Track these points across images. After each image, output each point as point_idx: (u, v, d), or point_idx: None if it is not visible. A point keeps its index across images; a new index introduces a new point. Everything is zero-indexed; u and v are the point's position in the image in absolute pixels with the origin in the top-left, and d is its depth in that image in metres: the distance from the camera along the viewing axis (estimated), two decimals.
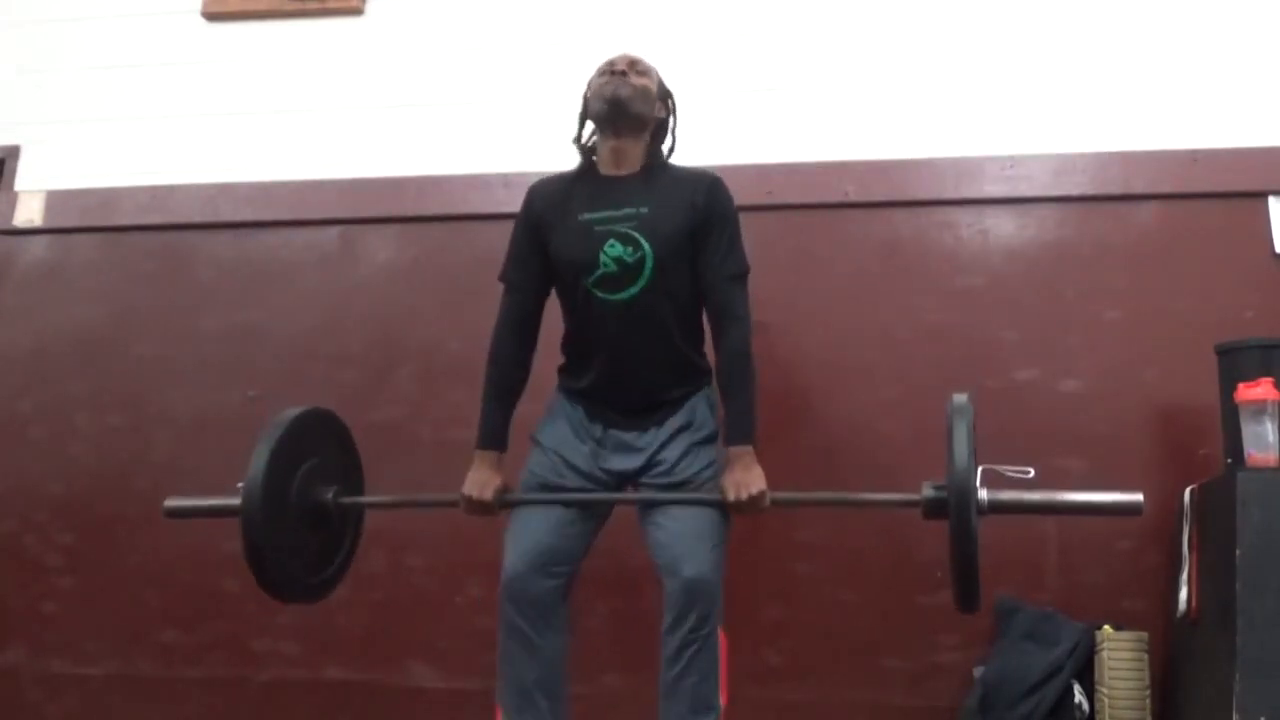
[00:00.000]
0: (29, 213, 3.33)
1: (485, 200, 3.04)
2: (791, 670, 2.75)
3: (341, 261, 3.16)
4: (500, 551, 2.28)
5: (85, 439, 3.15)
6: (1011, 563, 2.71)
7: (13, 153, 3.39)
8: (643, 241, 2.16)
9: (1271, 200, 2.81)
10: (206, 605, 2.99)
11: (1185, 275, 2.80)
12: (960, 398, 1.99)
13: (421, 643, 2.89)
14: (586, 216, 2.20)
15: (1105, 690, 2.49)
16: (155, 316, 3.20)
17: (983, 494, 1.92)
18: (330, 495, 2.26)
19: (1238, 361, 2.42)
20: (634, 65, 2.27)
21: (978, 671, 2.61)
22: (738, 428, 2.17)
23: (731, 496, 2.10)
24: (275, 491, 2.11)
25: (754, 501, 2.09)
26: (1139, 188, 2.88)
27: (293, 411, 2.22)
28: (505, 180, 2.98)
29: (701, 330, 2.30)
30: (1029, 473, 1.96)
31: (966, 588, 1.94)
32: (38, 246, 3.33)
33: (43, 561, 3.09)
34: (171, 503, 2.40)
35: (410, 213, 3.15)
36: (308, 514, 2.21)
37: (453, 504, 2.23)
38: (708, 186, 2.22)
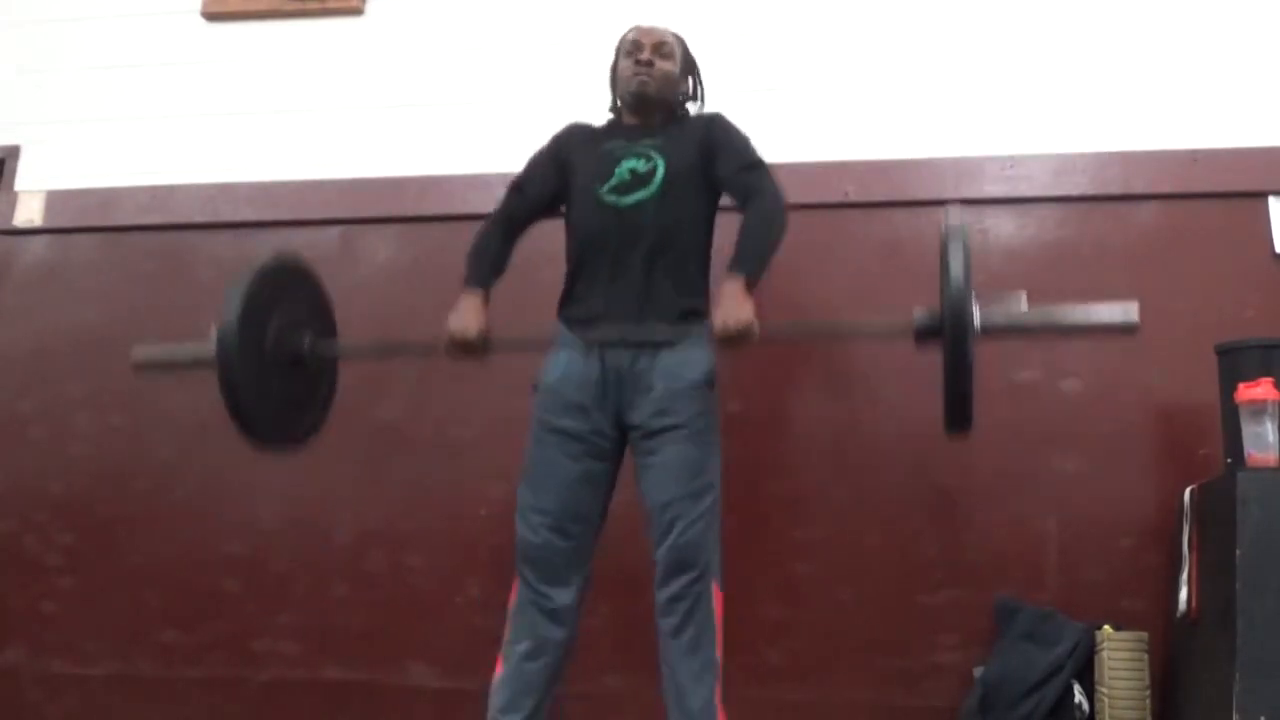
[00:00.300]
0: (29, 213, 3.33)
1: (485, 200, 3.00)
2: (791, 670, 2.75)
3: (341, 261, 3.15)
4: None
5: (85, 439, 3.15)
6: (1011, 563, 2.71)
7: (13, 153, 3.39)
8: (655, 156, 2.31)
9: (1271, 200, 2.81)
10: (206, 605, 2.99)
11: (1185, 275, 2.80)
12: (955, 219, 1.97)
13: (421, 643, 2.89)
14: (608, 146, 2.37)
15: (1105, 690, 2.49)
16: (155, 316, 3.19)
17: (976, 314, 1.89)
18: (305, 342, 2.21)
19: (1238, 361, 2.42)
20: (659, 48, 2.41)
21: (978, 671, 2.61)
22: (741, 256, 2.17)
23: (718, 326, 2.09)
24: (250, 337, 2.06)
25: (743, 332, 2.07)
26: (1139, 188, 2.88)
27: (263, 258, 2.17)
28: (505, 180, 2.95)
29: (705, 272, 2.32)
30: (1021, 297, 1.94)
31: (959, 407, 1.91)
32: (38, 246, 3.33)
33: (43, 561, 3.09)
34: (141, 352, 2.31)
35: (410, 213, 3.15)
36: (284, 361, 2.16)
37: (433, 350, 2.21)
38: (711, 117, 2.43)
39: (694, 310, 2.27)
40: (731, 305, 2.10)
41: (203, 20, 3.43)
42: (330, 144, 3.26)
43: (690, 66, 2.51)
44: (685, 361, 2.22)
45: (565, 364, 2.26)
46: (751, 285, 2.14)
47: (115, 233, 3.29)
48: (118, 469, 3.12)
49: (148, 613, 3.01)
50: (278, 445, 2.25)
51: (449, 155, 3.17)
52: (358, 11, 3.36)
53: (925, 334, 1.95)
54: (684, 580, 2.13)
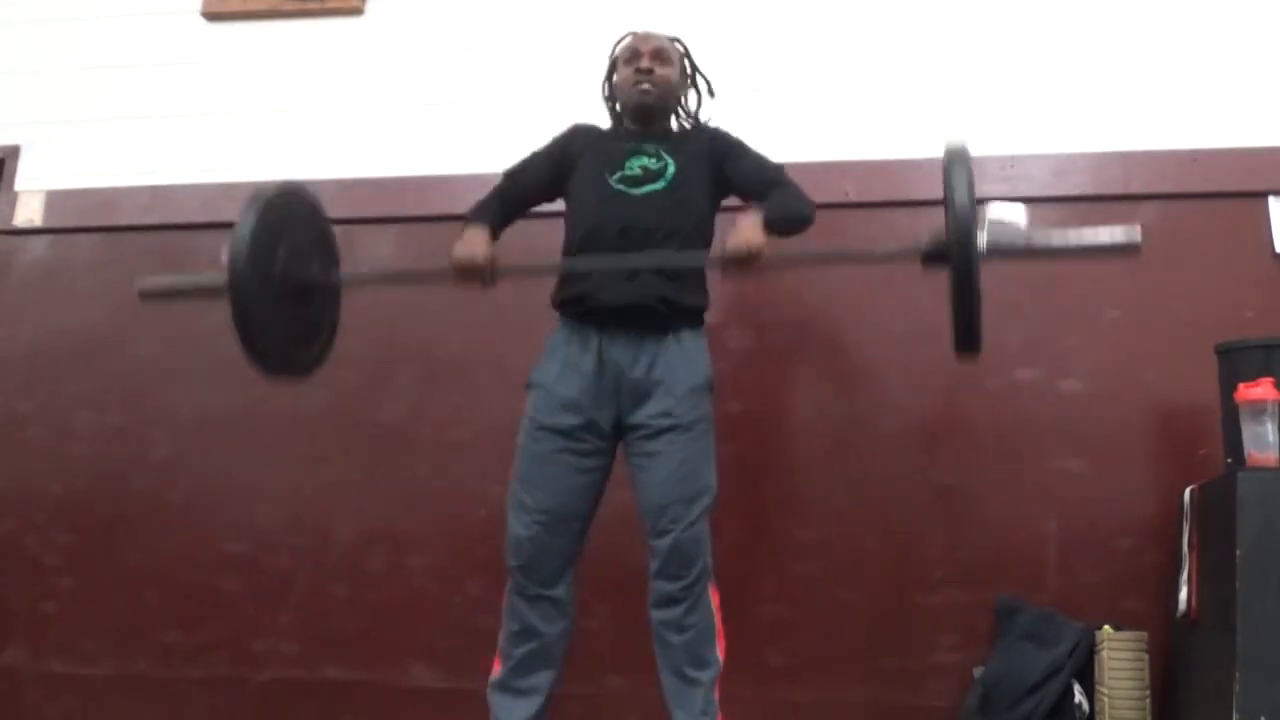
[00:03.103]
0: (29, 213, 3.32)
1: None
2: (791, 670, 2.74)
3: (342, 261, 3.14)
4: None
5: (85, 439, 3.15)
6: (1011, 563, 2.71)
7: (13, 153, 3.39)
8: (666, 156, 2.34)
9: (1271, 200, 2.81)
10: (206, 605, 2.99)
11: (1185, 275, 2.80)
12: (956, 142, 1.97)
13: (421, 643, 2.89)
14: (617, 143, 2.39)
15: (1105, 690, 2.49)
16: (155, 316, 3.19)
17: (982, 239, 1.90)
18: (313, 270, 2.20)
19: (1238, 361, 2.42)
20: (658, 56, 2.41)
21: (978, 671, 2.61)
22: (767, 204, 2.20)
23: (729, 245, 2.09)
24: (260, 265, 2.05)
25: (752, 254, 2.08)
26: (1139, 188, 2.87)
27: (269, 188, 2.15)
28: None
29: (703, 274, 2.33)
30: (1021, 211, 1.94)
31: (968, 327, 1.92)
32: (38, 246, 3.33)
33: (43, 561, 3.09)
34: (147, 283, 2.29)
35: (410, 213, 3.15)
36: (292, 289, 2.14)
37: (441, 276, 2.19)
38: (714, 130, 2.47)
39: (692, 301, 2.27)
40: (744, 230, 2.11)
41: (203, 20, 3.43)
42: (330, 144, 3.26)
43: (688, 71, 2.51)
44: (686, 362, 2.22)
45: (561, 361, 2.25)
46: (768, 228, 2.14)
47: (115, 233, 3.29)
48: (118, 469, 3.12)
49: (148, 613, 3.01)
50: (286, 373, 2.23)
51: (449, 155, 3.17)
52: (358, 11, 3.35)
53: (932, 258, 1.96)
54: (681, 582, 2.14)
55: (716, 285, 2.39)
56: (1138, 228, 1.94)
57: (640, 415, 2.20)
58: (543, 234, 2.47)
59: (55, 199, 3.32)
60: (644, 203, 2.27)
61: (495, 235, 2.29)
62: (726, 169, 2.36)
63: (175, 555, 3.02)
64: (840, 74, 3.08)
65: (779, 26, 3.14)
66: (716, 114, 2.91)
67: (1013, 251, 1.95)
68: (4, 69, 3.48)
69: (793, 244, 2.31)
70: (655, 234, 2.24)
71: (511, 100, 3.20)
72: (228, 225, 3.20)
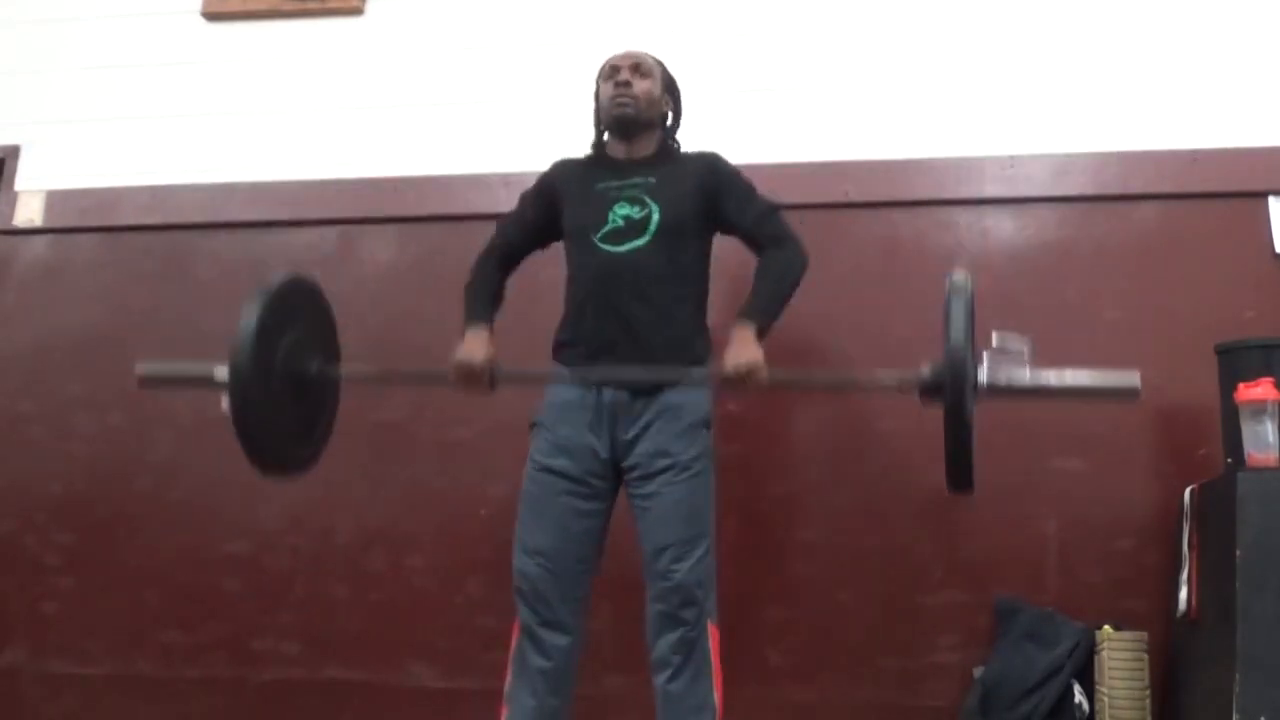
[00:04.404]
0: (29, 213, 3.32)
1: (485, 200, 3.03)
2: (791, 670, 2.75)
3: (341, 261, 3.15)
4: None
5: (85, 439, 3.15)
6: (1011, 563, 2.71)
7: (13, 153, 3.39)
8: (650, 202, 2.28)
9: (1271, 200, 2.81)
10: (206, 605, 2.99)
11: (1185, 275, 2.80)
12: (959, 274, 1.97)
13: (421, 643, 2.89)
14: (600, 186, 2.33)
15: (1105, 690, 2.49)
16: (155, 316, 3.20)
17: (981, 375, 1.91)
18: (313, 365, 2.20)
19: (1238, 361, 2.42)
20: (637, 68, 2.37)
21: (978, 671, 2.61)
22: (753, 305, 2.19)
23: (729, 369, 2.09)
24: (262, 358, 2.04)
25: (751, 373, 2.08)
26: (1139, 188, 2.87)
27: (278, 278, 2.14)
28: (505, 180, 2.97)
29: (703, 313, 2.33)
30: (1024, 343, 1.95)
31: (960, 467, 1.93)
32: (38, 246, 3.33)
33: (43, 561, 3.09)
34: (146, 368, 2.28)
35: (410, 213, 3.15)
36: (291, 384, 2.14)
37: (440, 378, 2.21)
38: (710, 160, 2.39)
39: (692, 353, 2.26)
40: (741, 349, 2.10)
41: (203, 20, 3.43)
42: (330, 144, 3.26)
43: (670, 86, 2.45)
44: (684, 403, 2.21)
45: (561, 405, 2.25)
46: (763, 334, 2.15)
47: (115, 233, 3.29)
48: (118, 469, 3.12)
49: (148, 613, 3.01)
50: (283, 472, 2.25)
51: (449, 155, 3.17)
52: (358, 11, 3.35)
53: (929, 391, 1.97)
54: (681, 629, 2.12)
55: (715, 285, 2.39)
56: (1137, 375, 1.94)
57: (639, 456, 2.19)
58: (544, 264, 2.46)
59: (55, 199, 3.32)
60: (629, 259, 2.24)
61: (492, 329, 2.28)
62: (721, 208, 2.32)
63: (175, 555, 3.02)
64: (840, 74, 3.08)
65: (780, 26, 3.14)
66: (718, 115, 2.93)
67: (1013, 391, 1.95)
68: (4, 69, 3.48)
69: (791, 347, 2.29)
70: (642, 289, 2.22)
71: (511, 100, 3.20)
72: (228, 225, 3.27)
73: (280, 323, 2.11)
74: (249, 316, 2.03)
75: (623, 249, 2.25)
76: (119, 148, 3.35)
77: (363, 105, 3.28)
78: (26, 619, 3.07)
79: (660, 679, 2.15)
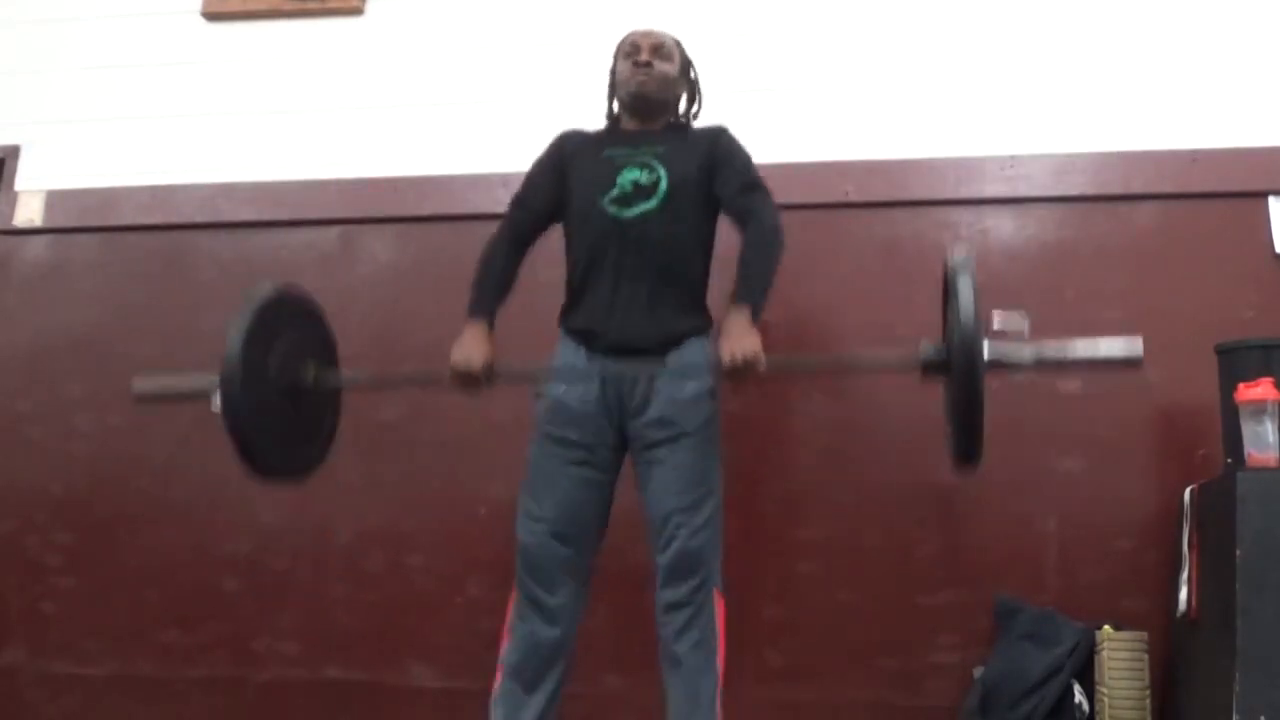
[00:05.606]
0: (29, 213, 3.33)
1: (485, 200, 3.03)
2: (791, 670, 2.75)
3: (341, 261, 3.16)
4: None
5: (85, 439, 3.15)
6: (1011, 563, 2.71)
7: (13, 153, 3.39)
8: (658, 167, 2.29)
9: (1271, 200, 2.81)
10: (206, 605, 2.99)
11: (1185, 275, 2.80)
12: (961, 253, 1.96)
13: (421, 643, 2.89)
14: (609, 153, 2.35)
15: (1105, 690, 2.49)
16: (155, 316, 3.20)
17: (985, 350, 1.89)
18: (309, 372, 2.19)
19: (1238, 361, 2.42)
20: (657, 50, 2.40)
21: (978, 671, 2.61)
22: (744, 286, 2.15)
23: (726, 360, 2.06)
24: (254, 367, 2.03)
25: (749, 364, 2.05)
26: (1139, 188, 2.88)
27: (265, 288, 2.14)
28: (505, 180, 2.95)
29: (705, 283, 2.32)
30: (1024, 320, 1.94)
31: (970, 440, 1.91)
32: (38, 246, 3.33)
33: (43, 561, 3.09)
34: (141, 385, 2.27)
35: (410, 213, 3.15)
36: (287, 391, 2.14)
37: (438, 380, 2.19)
38: (717, 132, 2.40)
39: (696, 322, 2.27)
40: (737, 337, 2.08)
41: (203, 20, 3.43)
42: (330, 144, 3.26)
43: (688, 69, 2.49)
44: (687, 371, 2.22)
45: (568, 373, 2.26)
46: (756, 314, 2.14)
47: (115, 233, 3.29)
48: (118, 469, 3.12)
49: (148, 613, 3.01)
50: (281, 478, 2.24)
51: (449, 155, 3.17)
52: (358, 11, 3.35)
53: (932, 368, 1.94)
54: (686, 588, 2.14)
55: (713, 287, 2.39)
56: (1139, 340, 1.93)
57: (644, 425, 2.20)
58: (540, 247, 2.46)
59: (55, 199, 3.32)
60: (637, 224, 2.25)
61: (494, 325, 2.26)
62: (715, 179, 2.31)
63: (175, 555, 3.03)
64: (840, 74, 3.08)
65: (779, 26, 3.14)
66: (717, 115, 2.92)
67: (1017, 365, 1.94)
68: (4, 69, 3.48)
69: (788, 312, 2.28)
70: (649, 256, 2.23)
71: (511, 100, 3.20)
72: (228, 225, 3.27)
73: (271, 334, 2.11)
74: (235, 331, 2.03)
75: (631, 212, 2.25)
76: (119, 148, 3.35)
77: (363, 105, 3.28)
78: (26, 619, 3.07)
79: (666, 636, 2.16)
